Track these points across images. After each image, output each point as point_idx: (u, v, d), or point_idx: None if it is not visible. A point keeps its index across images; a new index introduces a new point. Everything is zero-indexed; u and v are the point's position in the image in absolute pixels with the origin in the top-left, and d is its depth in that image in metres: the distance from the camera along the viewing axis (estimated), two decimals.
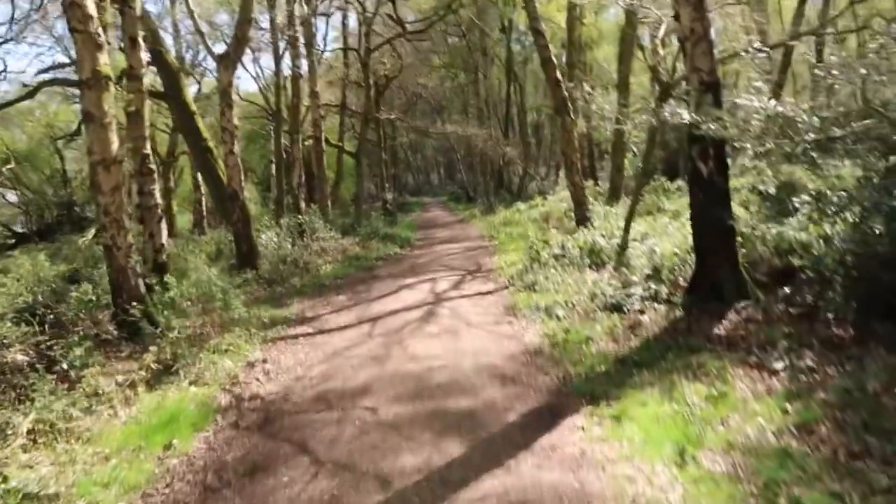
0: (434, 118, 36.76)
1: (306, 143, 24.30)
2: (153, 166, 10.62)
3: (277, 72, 17.74)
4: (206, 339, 7.88)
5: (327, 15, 24.78)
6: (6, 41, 21.83)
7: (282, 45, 19.72)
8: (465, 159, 44.76)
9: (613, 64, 29.39)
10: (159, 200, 10.57)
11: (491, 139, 27.86)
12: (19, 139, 37.32)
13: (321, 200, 21.25)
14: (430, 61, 35.14)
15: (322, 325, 9.28)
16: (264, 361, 7.47)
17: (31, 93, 17.50)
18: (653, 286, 8.30)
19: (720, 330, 6.83)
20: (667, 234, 11.50)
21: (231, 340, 8.02)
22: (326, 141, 26.39)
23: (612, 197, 15.98)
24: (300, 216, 16.38)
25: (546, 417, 5.18)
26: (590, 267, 10.91)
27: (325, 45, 30.41)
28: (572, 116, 12.17)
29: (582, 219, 12.69)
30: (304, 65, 18.45)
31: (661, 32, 11.11)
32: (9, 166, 30.33)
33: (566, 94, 12.32)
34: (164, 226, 10.49)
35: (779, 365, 5.52)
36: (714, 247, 7.68)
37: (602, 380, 5.87)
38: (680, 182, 21.80)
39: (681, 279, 8.58)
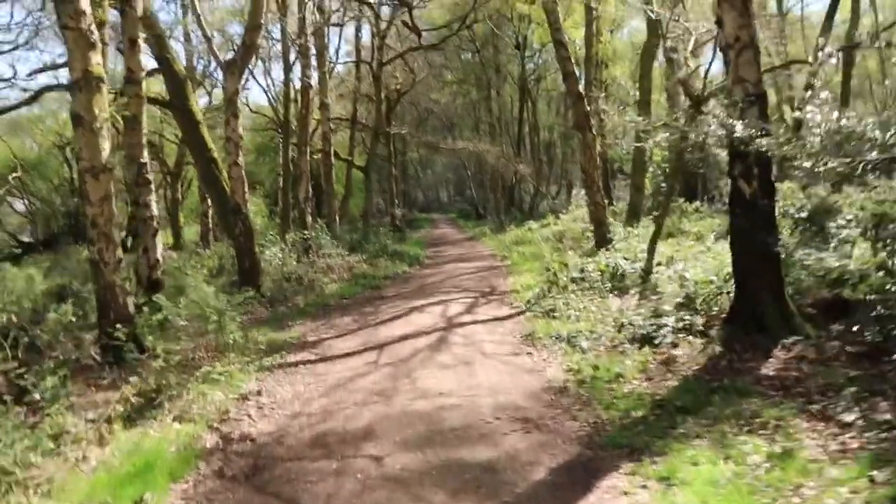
0: (445, 134, 36.24)
1: (315, 156, 23.75)
2: (150, 176, 10.00)
3: (287, 82, 17.20)
4: (196, 367, 7.14)
5: (340, 25, 24.31)
6: (15, 48, 21.54)
7: (293, 55, 19.27)
8: (476, 176, 44.21)
9: (630, 81, 28.82)
10: (156, 212, 9.93)
11: (503, 155, 27.20)
12: (29, 147, 37.09)
13: (329, 215, 20.63)
14: (442, 77, 34.68)
15: (325, 351, 8.55)
16: (259, 394, 6.72)
17: (32, 98, 16.99)
18: (686, 316, 7.52)
19: (769, 370, 6.05)
20: (694, 258, 10.74)
21: (224, 368, 7.29)
22: (336, 155, 25.85)
23: (631, 217, 15.24)
24: (306, 231, 15.72)
25: (580, 475, 4.40)
26: (613, 292, 10.16)
27: (337, 57, 29.93)
28: (593, 132, 11.48)
29: (602, 240, 11.95)
30: (314, 76, 17.92)
31: (691, 44, 10.43)
32: (15, 175, 29.88)
33: (588, 108, 11.63)
34: (160, 240, 9.84)
35: (849, 417, 4.74)
36: (756, 274, 6.93)
37: (640, 428, 5.09)
38: (697, 204, 21.06)
39: (715, 308, 7.83)
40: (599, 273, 10.68)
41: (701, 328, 7.25)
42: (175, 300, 8.47)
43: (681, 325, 7.41)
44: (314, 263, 15.14)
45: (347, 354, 8.25)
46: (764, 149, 5.85)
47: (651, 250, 10.77)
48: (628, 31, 33.45)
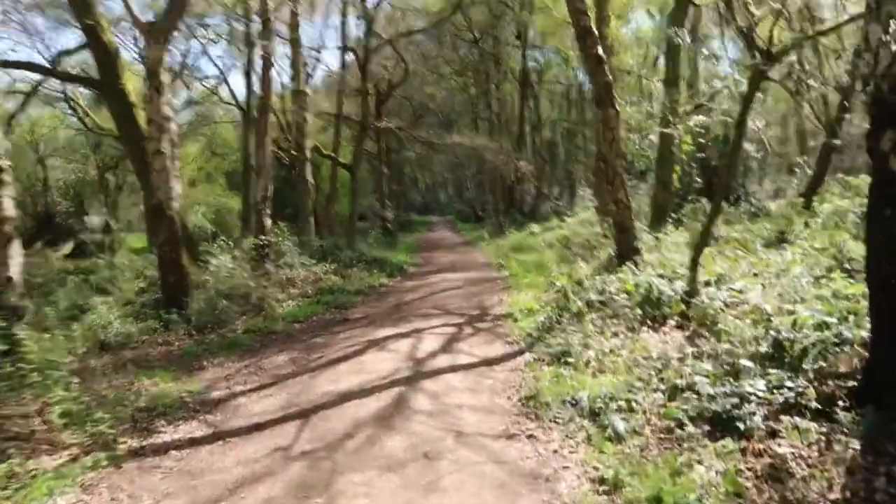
0: (441, 132, 33.32)
1: (293, 151, 20.79)
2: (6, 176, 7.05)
3: (250, 60, 14.26)
4: None
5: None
6: None
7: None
8: (475, 177, 41.25)
9: (644, 69, 25.93)
10: (10, 213, 6.98)
11: (503, 151, 24.23)
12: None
13: (302, 217, 17.70)
14: (438, 69, 31.78)
15: (226, 418, 5.59)
16: None
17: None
18: (786, 381, 4.55)
19: None
20: (753, 275, 7.77)
21: (36, 466, 4.36)
22: (318, 151, 22.93)
23: (656, 221, 12.24)
24: (263, 237, 12.78)
25: None
26: (647, 323, 7.18)
27: (322, 42, 27.04)
28: (616, 108, 8.50)
29: (627, 250, 8.94)
30: (278, 52, 14.97)
31: None
32: None
33: (609, 77, 8.64)
34: (15, 251, 6.89)
35: None
36: None
37: None
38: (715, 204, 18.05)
39: (828, 365, 4.85)
40: (626, 295, 7.70)
41: (816, 404, 4.28)
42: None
43: (778, 395, 4.44)
44: (270, 276, 12.21)
45: (256, 427, 5.30)
46: None
47: (694, 265, 7.80)
48: (634, 24, 30.52)
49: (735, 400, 4.46)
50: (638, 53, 29.88)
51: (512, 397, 5.64)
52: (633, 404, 4.89)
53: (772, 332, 5.23)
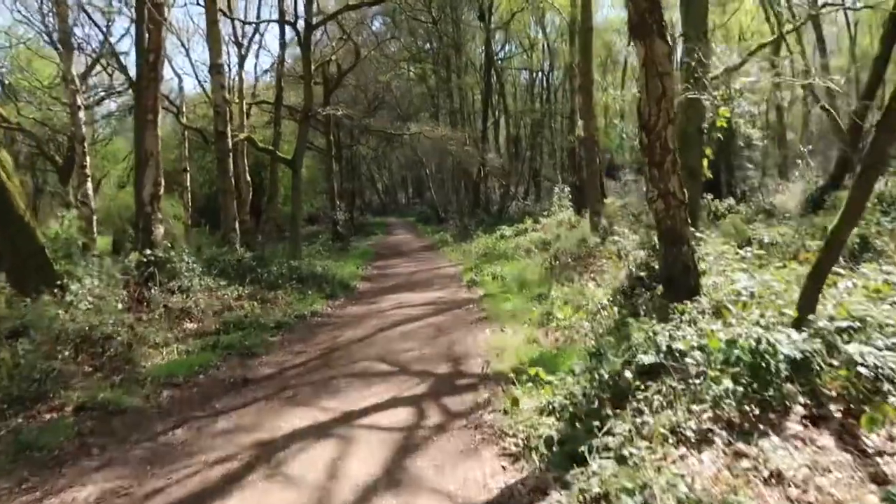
0: (399, 124, 29.71)
1: (234, 139, 16.84)
2: None
3: (139, 21, 10.43)
4: None
5: None
6: None
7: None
8: (436, 176, 37.72)
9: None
10: None
11: (467, 143, 20.76)
12: None
13: (226, 222, 13.90)
14: (394, 57, 28.13)
15: None
16: None
17: None
18: None
19: None
20: None
21: None
22: (252, 143, 19.06)
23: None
24: (149, 250, 8.97)
25: None
26: (756, 414, 3.80)
27: (257, 15, 23.23)
28: (667, 40, 5.08)
29: (679, 272, 5.51)
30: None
31: None
32: None
33: None
34: None
35: None
36: None
37: None
38: (730, 202, 15.05)
39: None
40: (706, 360, 4.27)
41: None
42: None
43: None
44: (153, 306, 8.46)
45: None
46: None
47: (814, 299, 4.47)
48: None
49: None
50: None
51: None
52: None
53: None
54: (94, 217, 16.98)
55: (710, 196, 13.79)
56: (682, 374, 4.36)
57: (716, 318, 4.75)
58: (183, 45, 30.11)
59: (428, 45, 29.89)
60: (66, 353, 6.71)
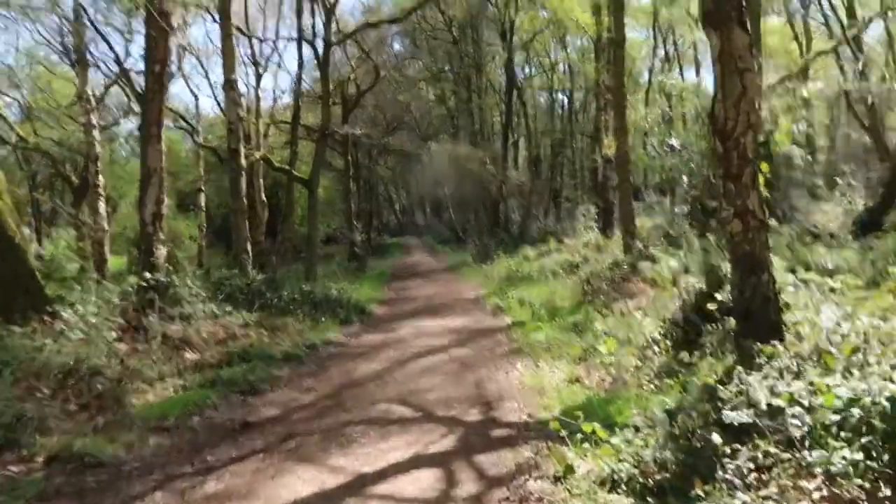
0: (419, 144, 29.06)
1: (249, 158, 16.24)
2: None
3: (149, 36, 9.83)
4: None
5: None
6: None
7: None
8: (454, 196, 36.95)
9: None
10: None
11: (488, 162, 19.97)
12: None
13: (238, 242, 13.19)
14: (413, 74, 27.62)
15: None
16: None
17: None
18: None
19: None
20: None
21: None
22: (268, 162, 18.49)
23: None
24: (150, 274, 8.22)
25: None
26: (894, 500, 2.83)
27: (276, 31, 22.82)
28: (749, 31, 4.20)
29: (764, 303, 4.55)
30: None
31: None
32: None
33: None
34: None
35: None
36: None
37: None
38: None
39: None
40: (801, 411, 3.32)
41: None
42: None
43: None
44: (151, 334, 7.67)
45: None
46: None
47: None
48: None
49: None
50: None
51: None
52: None
53: None
54: (107, 237, 16.39)
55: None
56: (781, 435, 3.42)
57: (817, 365, 3.80)
58: (202, 64, 29.89)
59: (448, 66, 29.38)
60: (46, 391, 5.93)
